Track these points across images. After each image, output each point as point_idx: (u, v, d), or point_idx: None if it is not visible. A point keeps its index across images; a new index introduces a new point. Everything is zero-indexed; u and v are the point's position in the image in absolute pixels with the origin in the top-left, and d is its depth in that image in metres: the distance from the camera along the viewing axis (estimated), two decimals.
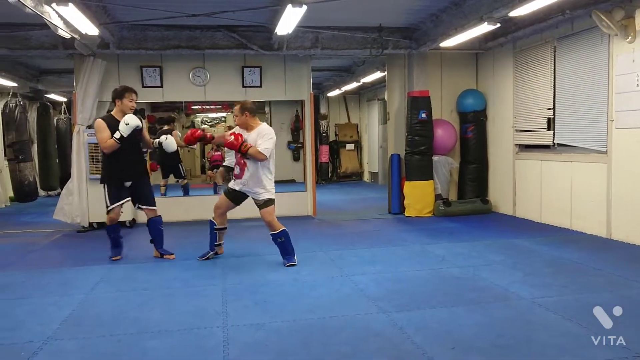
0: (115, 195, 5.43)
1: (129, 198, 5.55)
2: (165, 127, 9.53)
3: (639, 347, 3.09)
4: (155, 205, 5.69)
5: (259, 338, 3.42)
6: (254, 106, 5.34)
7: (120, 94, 5.41)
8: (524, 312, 3.80)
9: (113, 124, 5.31)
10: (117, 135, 5.23)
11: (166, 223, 6.03)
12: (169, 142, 5.70)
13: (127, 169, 5.46)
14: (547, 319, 3.64)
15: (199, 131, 5.54)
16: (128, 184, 5.51)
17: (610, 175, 6.13)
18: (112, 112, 5.52)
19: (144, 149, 5.96)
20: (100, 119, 5.43)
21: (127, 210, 7.62)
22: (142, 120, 5.96)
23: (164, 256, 5.72)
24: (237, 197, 5.39)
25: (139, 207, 5.75)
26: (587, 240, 6.16)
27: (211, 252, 5.59)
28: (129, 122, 5.22)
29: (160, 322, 3.73)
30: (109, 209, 5.46)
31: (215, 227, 5.52)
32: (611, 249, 5.71)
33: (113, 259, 5.68)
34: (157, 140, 5.75)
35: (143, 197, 5.62)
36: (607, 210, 6.18)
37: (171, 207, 8.18)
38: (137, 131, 5.35)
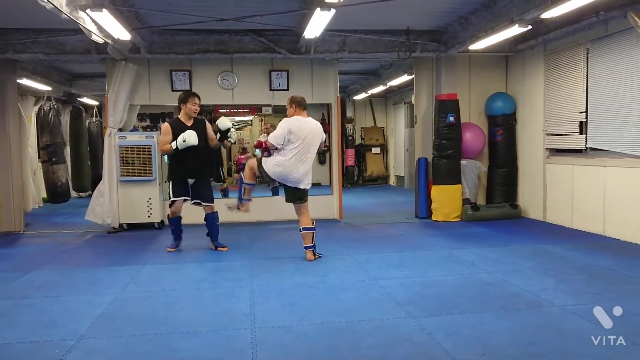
0: (177, 192, 5.92)
1: (189, 197, 5.99)
2: None
3: None
4: (213, 203, 6.08)
5: (287, 341, 3.43)
6: (301, 99, 5.59)
7: (184, 99, 5.90)
8: (556, 320, 3.72)
9: (177, 129, 5.76)
10: (173, 145, 5.70)
11: (196, 224, 6.28)
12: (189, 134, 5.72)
13: (190, 170, 5.90)
14: (580, 327, 3.56)
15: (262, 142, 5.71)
16: (191, 181, 5.94)
17: None
18: (179, 117, 5.92)
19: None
20: (167, 123, 5.91)
21: (156, 212, 7.78)
22: (232, 130, 6.25)
23: (218, 248, 6.12)
24: None
25: (195, 203, 6.05)
26: (621, 247, 6.00)
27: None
28: (187, 139, 5.64)
29: (190, 323, 3.77)
30: (171, 202, 5.97)
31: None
32: None
33: (168, 249, 6.16)
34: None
35: (202, 195, 6.02)
36: None
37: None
38: (203, 137, 5.77)
